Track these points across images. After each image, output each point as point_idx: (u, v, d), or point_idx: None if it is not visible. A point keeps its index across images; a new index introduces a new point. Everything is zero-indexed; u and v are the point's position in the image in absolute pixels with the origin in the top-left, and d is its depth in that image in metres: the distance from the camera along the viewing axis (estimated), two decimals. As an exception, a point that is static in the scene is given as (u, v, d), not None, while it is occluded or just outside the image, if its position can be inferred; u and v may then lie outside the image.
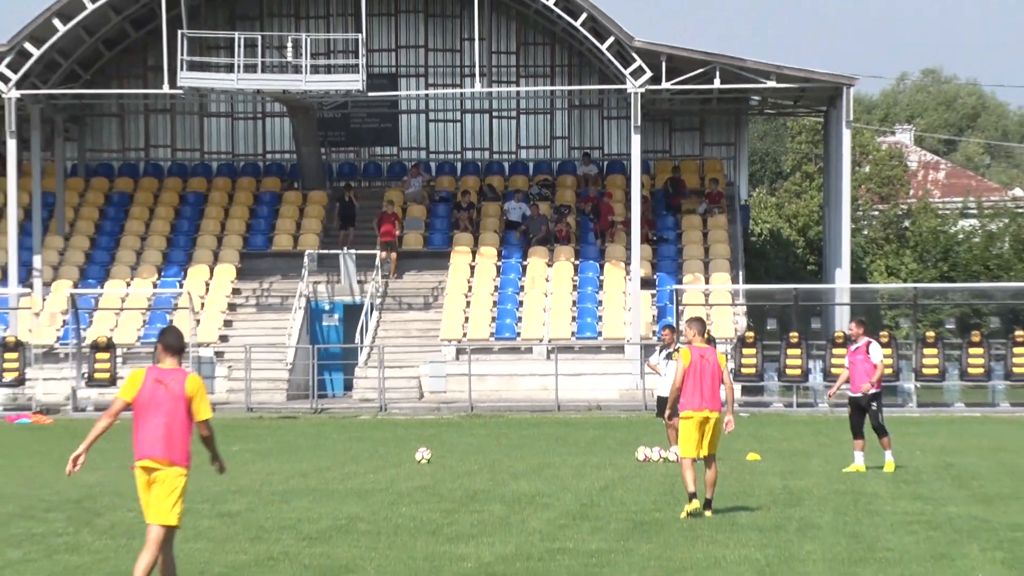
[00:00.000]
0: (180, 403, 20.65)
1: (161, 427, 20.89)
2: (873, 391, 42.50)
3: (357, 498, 35.83)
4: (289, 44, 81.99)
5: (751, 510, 33.22)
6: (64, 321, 79.84)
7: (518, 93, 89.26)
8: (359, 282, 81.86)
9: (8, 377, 75.56)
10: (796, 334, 76.44)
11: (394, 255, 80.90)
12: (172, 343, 21.16)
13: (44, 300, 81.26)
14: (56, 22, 79.14)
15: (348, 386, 79.01)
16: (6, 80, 78.86)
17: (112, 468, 41.79)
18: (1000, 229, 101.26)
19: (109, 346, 76.26)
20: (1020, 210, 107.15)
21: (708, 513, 32.03)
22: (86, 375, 75.42)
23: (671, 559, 23.15)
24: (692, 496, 31.86)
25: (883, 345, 54.50)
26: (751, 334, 76.87)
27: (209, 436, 21.04)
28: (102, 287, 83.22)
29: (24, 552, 27.30)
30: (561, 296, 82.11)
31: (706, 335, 34.50)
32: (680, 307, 75.93)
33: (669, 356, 46.45)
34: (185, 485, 20.98)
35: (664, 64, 79.25)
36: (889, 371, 48.18)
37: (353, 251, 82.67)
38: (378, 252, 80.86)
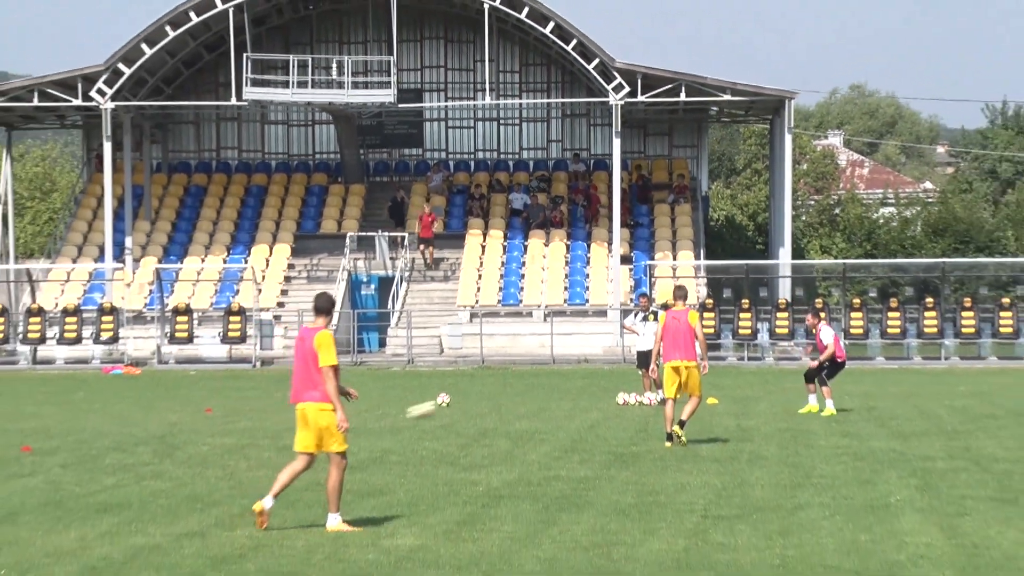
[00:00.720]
0: (311, 354, 21.06)
1: (301, 373, 21.49)
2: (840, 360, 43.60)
3: (390, 435, 36.04)
4: (334, 65, 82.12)
5: (711, 444, 33.43)
6: (150, 290, 79.86)
7: (520, 105, 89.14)
8: (391, 259, 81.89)
9: (104, 336, 75.59)
10: (747, 301, 76.52)
11: (431, 249, 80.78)
12: (317, 305, 21.81)
13: (134, 273, 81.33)
14: (143, 46, 79.20)
15: (382, 344, 79.01)
16: (103, 94, 78.96)
17: (188, 411, 41.88)
18: (913, 215, 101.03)
19: (187, 311, 76.33)
20: (930, 200, 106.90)
21: (679, 429, 33.41)
22: (168, 334, 75.44)
23: (645, 484, 23.26)
24: (668, 436, 33.42)
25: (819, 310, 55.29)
26: (710, 301, 76.94)
27: (329, 378, 20.96)
28: (181, 262, 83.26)
29: (117, 479, 27.57)
30: (555, 270, 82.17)
31: (686, 301, 35.12)
32: (652, 279, 76.19)
33: (645, 319, 46.67)
34: (332, 419, 21.00)
35: (640, 81, 79.40)
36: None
37: (386, 233, 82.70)
38: (419, 246, 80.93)
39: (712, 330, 75.33)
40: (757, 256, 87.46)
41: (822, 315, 45.58)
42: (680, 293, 32.78)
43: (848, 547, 19.53)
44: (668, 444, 33.14)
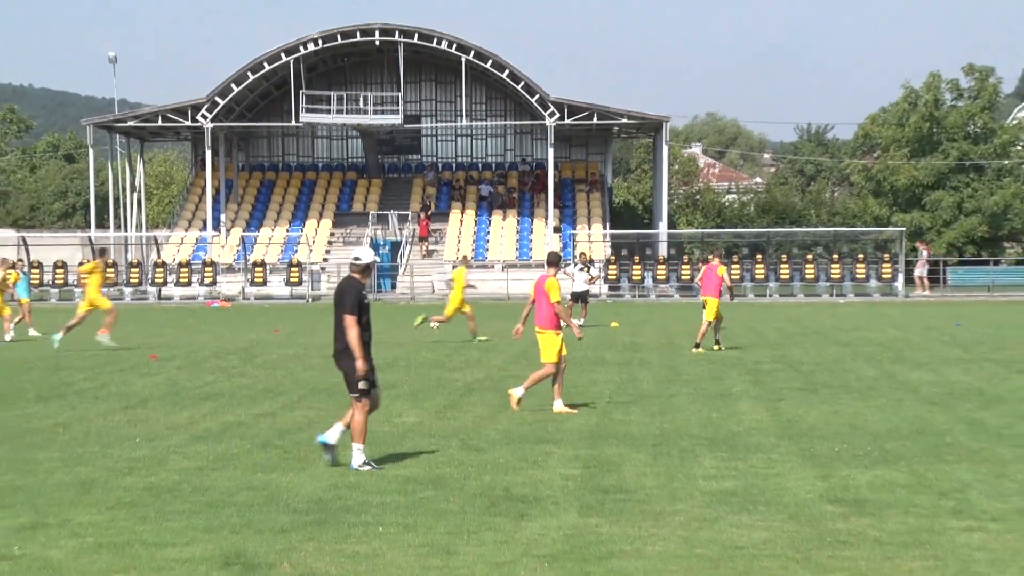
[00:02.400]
0: (544, 294, 21.16)
1: (538, 307, 21.49)
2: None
3: (398, 347, 35.85)
4: (361, 98, 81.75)
5: (612, 353, 33.27)
6: (237, 250, 79.42)
7: (486, 125, 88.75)
8: (400, 229, 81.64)
9: (206, 281, 75.29)
10: (637, 257, 76.03)
11: (426, 243, 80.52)
12: (548, 259, 23.07)
13: (226, 239, 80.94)
14: (232, 85, 78.77)
15: (393, 286, 78.61)
16: (205, 118, 78.68)
17: (263, 332, 41.70)
18: (748, 200, 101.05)
19: (262, 264, 76.04)
20: (759, 190, 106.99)
21: (715, 346, 34.27)
22: (249, 280, 75.08)
23: (570, 380, 23.13)
24: (696, 345, 33.84)
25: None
26: (614, 257, 76.56)
27: (557, 311, 21.20)
28: (258, 231, 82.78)
29: (215, 377, 27.42)
30: (510, 236, 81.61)
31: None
32: (575, 243, 75.89)
33: (580, 269, 46.46)
34: (556, 340, 21.22)
35: (566, 109, 78.99)
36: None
37: (393, 212, 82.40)
38: (419, 242, 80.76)
39: (614, 276, 75.40)
40: (644, 227, 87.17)
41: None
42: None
43: (705, 422, 19.53)
44: (697, 350, 33.42)
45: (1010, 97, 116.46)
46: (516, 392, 21.38)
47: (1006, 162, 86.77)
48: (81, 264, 40.31)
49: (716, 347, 34.20)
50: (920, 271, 73.67)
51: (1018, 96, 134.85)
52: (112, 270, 72.77)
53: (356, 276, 15.86)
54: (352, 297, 15.51)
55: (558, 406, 21.03)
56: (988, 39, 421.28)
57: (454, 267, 48.74)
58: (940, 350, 33.53)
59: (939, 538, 11.72)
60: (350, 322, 15.39)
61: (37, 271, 74.50)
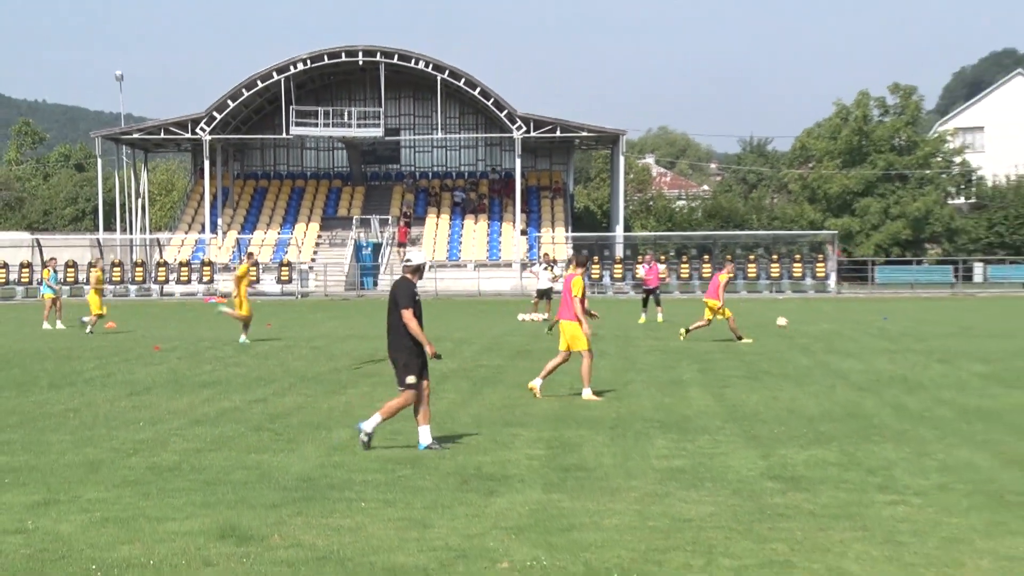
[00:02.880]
0: (568, 291, 21.05)
1: (563, 301, 21.32)
2: (655, 288, 44.52)
3: (380, 340, 35.60)
4: (346, 112, 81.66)
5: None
6: (232, 251, 79.36)
7: (459, 138, 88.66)
8: (381, 232, 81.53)
9: (204, 279, 75.34)
10: (597, 258, 76.30)
11: (404, 249, 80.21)
12: (577, 261, 22.82)
13: (222, 240, 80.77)
14: (228, 101, 78.56)
15: (374, 283, 78.49)
16: (203, 131, 78.44)
17: (256, 326, 41.55)
18: (696, 206, 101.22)
19: (255, 263, 75.81)
20: (706, 197, 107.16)
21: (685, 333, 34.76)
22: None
23: (535, 370, 23.11)
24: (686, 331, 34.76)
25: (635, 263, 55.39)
26: (574, 259, 76.89)
27: (573, 305, 20.86)
28: (251, 234, 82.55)
29: (212, 366, 27.21)
30: (481, 238, 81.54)
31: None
32: (539, 245, 75.97)
33: (545, 268, 46.50)
34: (579, 328, 20.92)
35: (532, 123, 79.02)
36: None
37: (375, 216, 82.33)
38: (397, 248, 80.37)
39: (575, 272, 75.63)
40: (603, 230, 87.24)
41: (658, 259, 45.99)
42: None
43: (657, 407, 19.57)
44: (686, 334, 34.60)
45: (931, 113, 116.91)
46: (585, 393, 20.98)
47: (927, 172, 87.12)
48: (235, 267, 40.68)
49: (682, 333, 34.62)
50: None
51: (938, 112, 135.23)
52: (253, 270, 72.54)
53: (409, 276, 15.97)
54: (407, 295, 15.62)
55: (536, 387, 21.11)
56: (912, 60, 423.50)
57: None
58: (868, 341, 33.68)
59: (867, 511, 11.81)
60: (408, 316, 15.49)
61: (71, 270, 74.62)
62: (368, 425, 15.56)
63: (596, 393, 20.94)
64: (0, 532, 11.11)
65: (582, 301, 21.11)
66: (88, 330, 38.81)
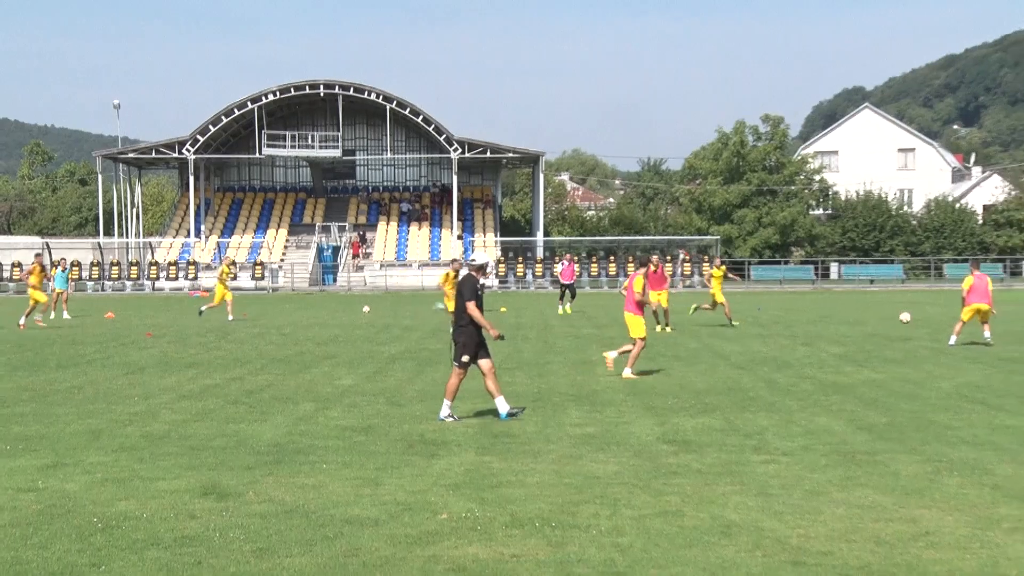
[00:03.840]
0: (631, 288, 20.59)
1: (628, 296, 20.86)
2: (570, 282, 43.99)
3: (338, 328, 35.55)
4: (310, 135, 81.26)
5: (502, 331, 33.20)
6: (214, 252, 78.70)
7: (405, 157, 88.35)
8: (340, 237, 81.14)
9: (190, 276, 74.68)
10: (520, 259, 76.35)
11: (358, 259, 79.67)
12: (640, 261, 22.35)
13: (205, 243, 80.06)
14: (210, 126, 77.90)
15: (334, 280, 78.13)
16: (188, 151, 77.82)
17: (234, 315, 41.12)
18: (603, 215, 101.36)
19: (233, 263, 75.13)
20: (612, 208, 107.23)
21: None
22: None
23: (518, 354, 22.98)
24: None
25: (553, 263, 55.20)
26: (503, 258, 76.60)
27: (640, 300, 20.47)
28: (230, 238, 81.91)
29: (197, 350, 26.86)
30: (423, 242, 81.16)
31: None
32: (472, 248, 75.83)
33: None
34: (640, 320, 20.62)
35: (467, 145, 78.89)
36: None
37: (334, 223, 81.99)
38: (352, 254, 79.87)
39: (504, 272, 75.51)
40: (525, 235, 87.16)
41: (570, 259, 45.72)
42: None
43: (571, 383, 19.58)
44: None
45: (795, 139, 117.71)
46: (626, 372, 20.62)
47: (792, 188, 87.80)
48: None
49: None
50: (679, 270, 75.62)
51: (801, 138, 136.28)
52: (117, 268, 71.63)
53: (474, 273, 15.88)
54: (471, 289, 15.47)
55: (627, 373, 20.54)
56: (780, 94, 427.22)
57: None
58: (745, 328, 33.83)
59: (744, 468, 11.89)
60: (472, 307, 15.36)
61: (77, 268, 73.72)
62: (444, 412, 15.44)
63: (637, 373, 20.67)
64: (15, 490, 11.08)
65: (642, 295, 20.69)
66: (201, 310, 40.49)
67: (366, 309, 43.88)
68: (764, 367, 22.09)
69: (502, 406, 15.55)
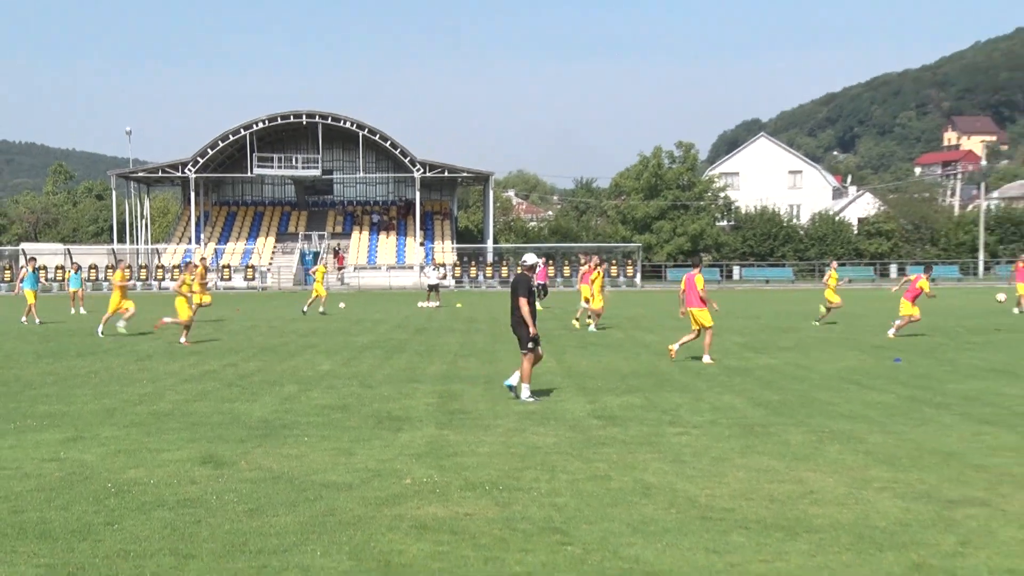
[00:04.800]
0: (692, 285, 20.26)
1: (688, 293, 20.52)
2: (543, 283, 43.37)
3: (318, 321, 35.30)
4: (294, 157, 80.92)
5: (458, 324, 33.15)
6: (212, 256, 78.07)
7: (375, 176, 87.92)
8: (319, 244, 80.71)
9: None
10: (474, 262, 76.22)
11: (343, 271, 79.07)
12: (693, 262, 21.45)
13: (204, 249, 79.29)
14: (208, 149, 77.41)
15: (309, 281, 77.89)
16: (190, 171, 77.22)
17: (229, 309, 40.78)
18: (543, 226, 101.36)
19: (228, 265, 74.96)
20: (551, 220, 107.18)
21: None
22: (220, 276, 73.79)
23: (432, 343, 23.00)
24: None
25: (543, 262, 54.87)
26: (458, 262, 76.53)
27: (703, 295, 20.21)
28: (225, 244, 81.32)
29: (199, 339, 26.60)
30: (391, 248, 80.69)
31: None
32: (432, 254, 75.62)
33: (434, 269, 46.09)
34: (707, 312, 20.35)
35: (428, 166, 78.76)
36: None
37: (315, 232, 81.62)
38: (338, 264, 79.22)
39: (459, 274, 75.43)
40: (478, 243, 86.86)
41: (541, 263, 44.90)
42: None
43: (516, 368, 19.60)
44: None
45: (703, 162, 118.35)
46: (705, 359, 20.38)
47: (701, 203, 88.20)
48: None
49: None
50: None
51: (708, 161, 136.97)
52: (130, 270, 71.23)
53: (526, 272, 15.60)
54: (524, 286, 15.18)
55: (707, 359, 20.38)
56: (690, 123, 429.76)
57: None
58: (663, 321, 33.95)
59: (662, 439, 11.92)
60: (523, 303, 15.04)
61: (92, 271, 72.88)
62: (524, 395, 15.20)
63: (712, 358, 20.48)
64: (40, 460, 10.99)
65: (704, 291, 20.51)
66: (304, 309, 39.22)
67: (342, 305, 43.62)
68: (679, 353, 22.14)
69: (525, 392, 15.24)
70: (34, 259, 37.83)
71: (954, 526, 8.21)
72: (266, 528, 8.23)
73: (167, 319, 27.43)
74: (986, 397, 15.25)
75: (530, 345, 15.14)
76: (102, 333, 28.33)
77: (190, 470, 10.42)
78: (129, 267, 32.53)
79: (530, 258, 15.80)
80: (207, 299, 33.90)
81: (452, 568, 7.20)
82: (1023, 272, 35.76)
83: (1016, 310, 35.25)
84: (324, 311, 39.34)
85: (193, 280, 30.20)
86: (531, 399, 15.13)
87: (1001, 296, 35.59)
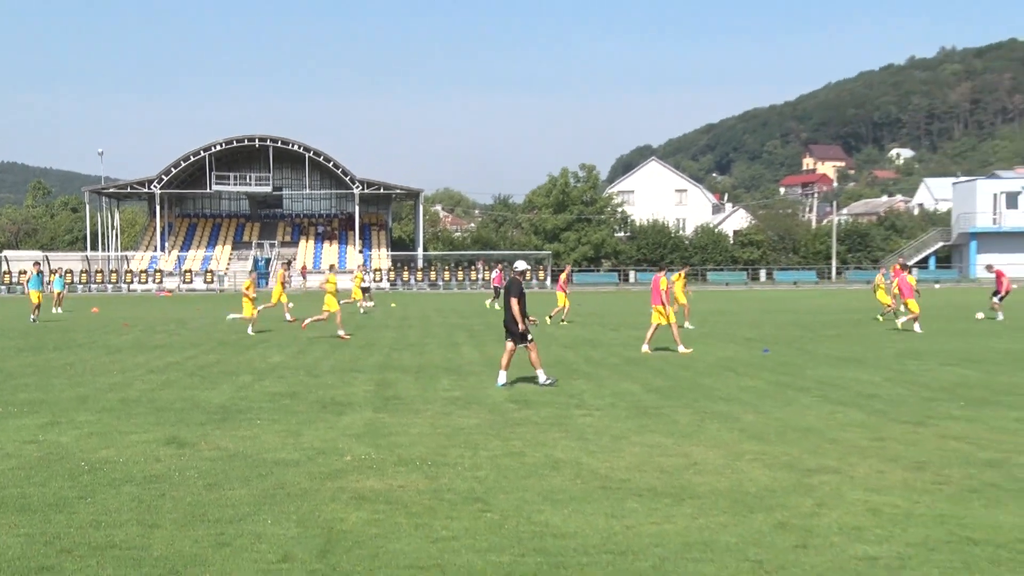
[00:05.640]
0: (656, 287, 20.37)
1: (654, 294, 20.55)
2: (499, 286, 42.82)
3: (270, 319, 34.81)
4: (247, 175, 79.80)
5: (392, 321, 32.81)
6: (175, 263, 76.65)
7: (319, 192, 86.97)
8: (270, 251, 79.69)
9: (157, 281, 72.55)
10: (406, 267, 75.89)
11: (305, 279, 77.98)
12: (660, 267, 21.30)
13: (168, 256, 77.82)
14: (172, 168, 76.05)
15: (266, 284, 76.37)
16: (156, 187, 75.64)
17: (190, 310, 40.04)
18: (466, 236, 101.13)
19: (189, 270, 73.62)
20: (473, 231, 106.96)
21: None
22: (182, 279, 72.49)
23: (368, 337, 22.78)
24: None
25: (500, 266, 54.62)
26: (392, 267, 76.09)
27: (663, 298, 20.17)
28: (187, 252, 79.86)
29: (164, 336, 26.01)
30: (333, 255, 79.82)
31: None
32: (369, 261, 75.08)
33: (366, 273, 45.60)
34: (663, 311, 20.39)
35: (366, 183, 78.25)
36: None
37: (267, 241, 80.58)
38: (283, 271, 78.32)
39: (393, 277, 74.96)
40: (409, 250, 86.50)
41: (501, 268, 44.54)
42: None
43: (443, 359, 19.44)
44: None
45: (604, 181, 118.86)
46: (680, 349, 20.21)
47: (602, 217, 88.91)
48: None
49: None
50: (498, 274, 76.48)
51: (608, 180, 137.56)
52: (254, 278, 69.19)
53: (518, 277, 15.45)
54: (517, 289, 15.18)
55: (646, 350, 20.32)
56: (593, 147, 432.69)
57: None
58: (570, 319, 34.18)
59: (569, 420, 11.95)
60: (515, 303, 15.06)
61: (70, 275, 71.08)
62: (541, 378, 15.08)
63: (686, 348, 20.45)
64: (21, 442, 10.75)
65: (667, 293, 20.53)
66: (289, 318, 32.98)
67: (290, 305, 42.99)
68: (584, 347, 22.26)
69: (541, 376, 15.13)
70: (38, 263, 37.29)
71: (811, 491, 8.35)
72: (223, 500, 8.11)
73: (308, 320, 26.65)
74: (838, 382, 15.53)
75: (530, 337, 15.21)
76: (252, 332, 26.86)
77: (155, 450, 10.23)
78: (255, 275, 30.96)
79: (520, 264, 15.68)
80: (284, 298, 32.49)
81: (386, 533, 7.17)
82: (904, 280, 29.55)
83: (881, 317, 31.39)
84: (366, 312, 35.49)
85: (288, 281, 29.58)
86: (548, 380, 15.06)
87: (980, 314, 31.22)
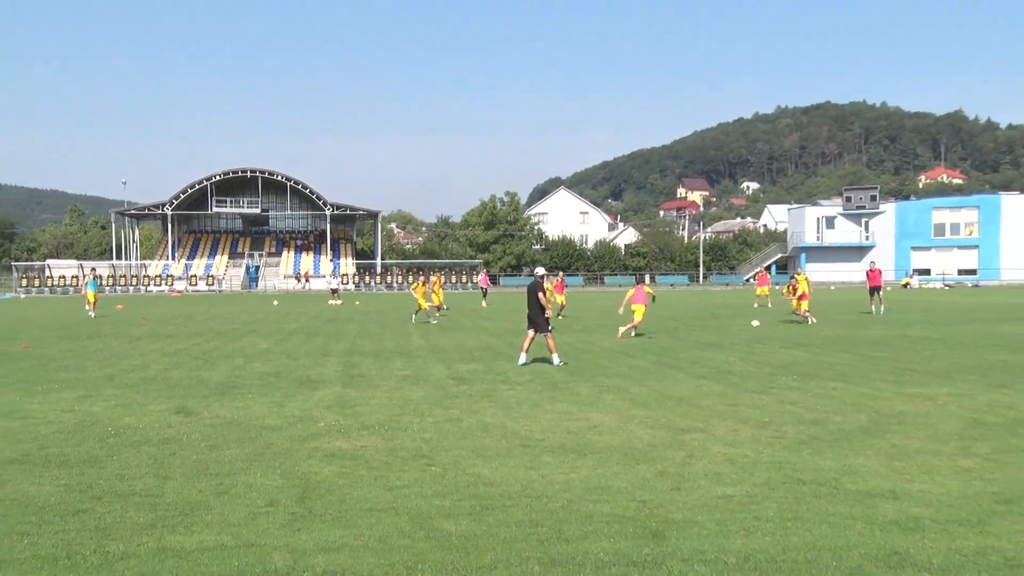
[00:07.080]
0: (641, 289, 19.61)
1: (636, 295, 19.91)
2: (484, 287, 40.92)
3: (258, 314, 34.08)
4: (241, 199, 78.14)
5: (358, 316, 32.39)
6: (183, 269, 74.69)
7: (299, 213, 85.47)
8: (260, 260, 78.09)
9: (169, 283, 70.61)
10: (367, 273, 74.88)
11: (304, 284, 76.68)
12: (636, 280, 20.58)
13: (178, 264, 75.81)
14: (180, 194, 74.14)
15: (256, 286, 75.08)
16: (168, 209, 73.69)
17: (194, 307, 39.13)
18: (415, 248, 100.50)
19: (194, 275, 71.76)
20: (421, 244, 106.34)
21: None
22: (189, 282, 70.65)
23: (337, 330, 22.49)
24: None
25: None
26: (357, 272, 75.16)
27: (644, 298, 19.22)
28: (193, 260, 77.85)
29: (174, 326, 25.28)
30: (309, 263, 78.35)
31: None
32: (339, 269, 73.97)
33: (335, 278, 44.86)
34: (642, 308, 19.71)
35: (335, 206, 77.20)
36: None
37: (256, 252, 78.89)
38: (304, 279, 76.77)
39: (356, 280, 73.97)
40: (370, 259, 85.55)
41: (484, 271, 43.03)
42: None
43: (397, 345, 19.24)
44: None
45: (525, 204, 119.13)
46: (622, 329, 19.82)
47: (523, 233, 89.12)
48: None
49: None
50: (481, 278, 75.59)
51: (528, 204, 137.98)
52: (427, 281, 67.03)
53: (539, 280, 15.17)
54: (542, 289, 14.97)
55: (620, 334, 20.06)
56: (517, 177, 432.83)
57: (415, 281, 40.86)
58: (498, 315, 34.09)
59: (497, 393, 11.92)
60: (543, 298, 14.84)
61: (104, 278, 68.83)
62: (555, 361, 14.75)
63: (622, 337, 19.98)
64: (60, 411, 10.50)
65: (648, 296, 20.21)
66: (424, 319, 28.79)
67: (275, 303, 42.33)
68: (508, 335, 22.22)
69: (555, 360, 14.86)
70: (94, 268, 36.22)
71: (683, 446, 8.47)
72: (222, 458, 8.00)
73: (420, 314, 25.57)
74: (703, 361, 15.72)
75: (550, 328, 15.06)
76: (414, 319, 26.11)
77: (167, 418, 10.02)
78: (424, 281, 28.10)
79: (540, 270, 15.26)
80: (438, 299, 30.28)
81: (352, 483, 7.13)
82: (764, 278, 34.34)
83: (757, 307, 32.40)
84: (429, 319, 28.45)
85: (431, 284, 29.06)
86: (560, 363, 14.76)
87: (755, 322, 28.67)
